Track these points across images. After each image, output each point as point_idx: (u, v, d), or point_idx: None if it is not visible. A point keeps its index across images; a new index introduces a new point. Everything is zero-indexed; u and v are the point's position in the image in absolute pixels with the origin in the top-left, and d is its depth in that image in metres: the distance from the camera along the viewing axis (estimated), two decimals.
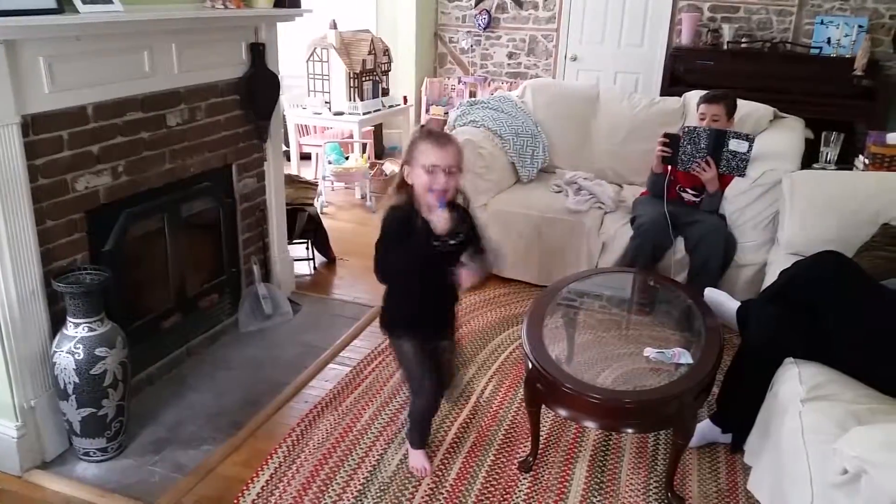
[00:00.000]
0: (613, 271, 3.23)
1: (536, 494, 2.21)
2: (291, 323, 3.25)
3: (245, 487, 2.19)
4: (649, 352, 2.30)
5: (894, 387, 1.95)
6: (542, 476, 2.29)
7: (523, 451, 2.38)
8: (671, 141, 3.30)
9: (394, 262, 1.97)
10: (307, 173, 5.20)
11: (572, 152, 4.15)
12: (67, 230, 2.27)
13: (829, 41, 5.05)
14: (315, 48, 5.22)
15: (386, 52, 5.49)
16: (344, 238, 4.23)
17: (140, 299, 2.70)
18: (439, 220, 1.90)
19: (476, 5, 6.12)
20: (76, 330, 2.17)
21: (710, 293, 2.62)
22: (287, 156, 5.26)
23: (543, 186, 3.90)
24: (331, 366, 2.93)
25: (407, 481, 2.24)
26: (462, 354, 2.91)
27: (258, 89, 3.03)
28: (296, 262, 3.71)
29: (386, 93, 5.56)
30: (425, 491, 2.20)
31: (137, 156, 2.49)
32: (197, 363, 2.88)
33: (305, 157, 5.59)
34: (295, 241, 3.74)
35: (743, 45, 5.24)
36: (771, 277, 2.64)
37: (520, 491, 2.22)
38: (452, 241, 1.97)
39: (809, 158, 3.79)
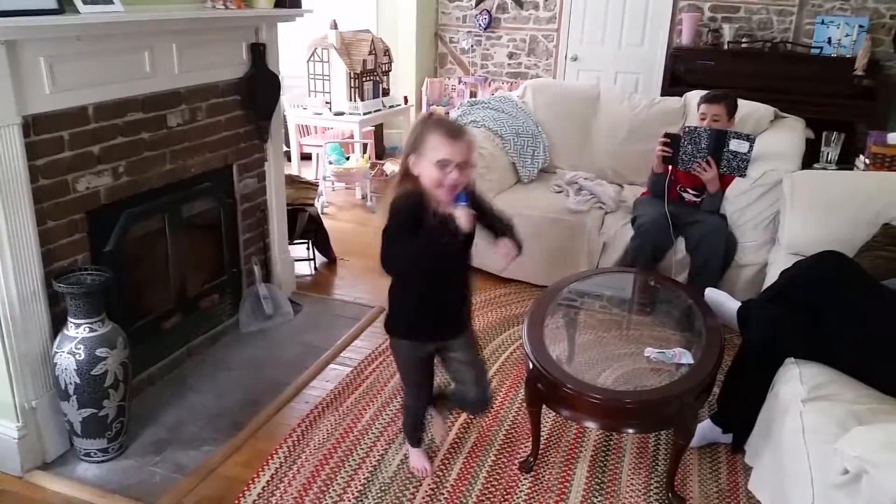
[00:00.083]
0: (614, 271, 3.23)
1: (537, 495, 2.21)
2: (292, 323, 3.25)
3: (246, 488, 2.19)
4: (650, 352, 2.31)
5: (895, 387, 1.94)
6: (543, 476, 2.29)
7: (524, 452, 2.38)
8: (672, 141, 3.30)
9: (401, 257, 1.83)
10: (308, 173, 5.20)
11: (573, 152, 4.15)
12: (68, 231, 2.27)
13: (829, 41, 5.04)
14: (315, 48, 5.22)
15: (386, 52, 5.49)
16: (344, 238, 4.23)
17: (141, 300, 2.70)
18: (461, 218, 1.75)
19: (476, 5, 6.12)
20: (77, 330, 2.17)
21: (711, 293, 2.62)
22: (288, 156, 5.26)
23: (544, 186, 3.90)
24: (331, 366, 2.93)
25: (408, 482, 2.24)
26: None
27: (259, 89, 3.03)
28: (296, 263, 3.72)
29: (386, 93, 5.56)
30: (426, 491, 2.20)
31: (138, 156, 2.49)
32: (198, 364, 2.88)
33: (306, 157, 5.60)
34: (295, 241, 3.74)
35: (743, 45, 5.24)
36: (771, 277, 2.64)
37: (520, 491, 2.22)
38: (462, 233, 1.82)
39: (810, 158, 3.79)
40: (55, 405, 2.24)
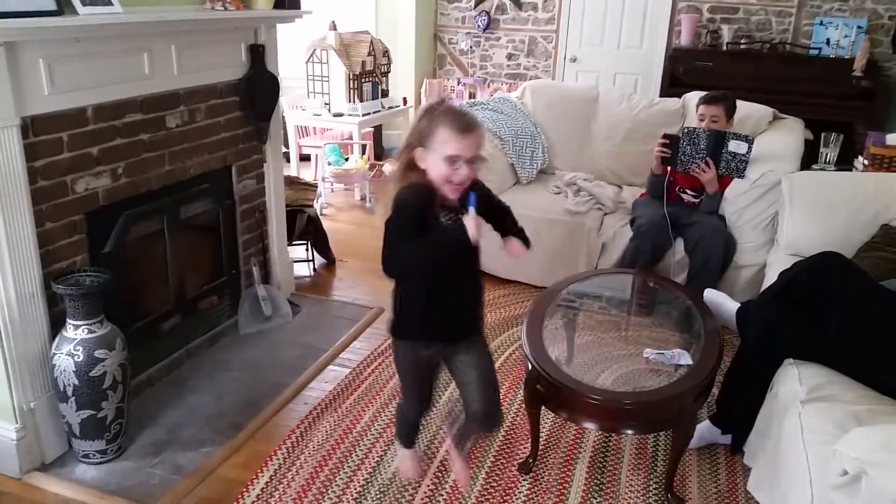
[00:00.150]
0: (613, 272, 3.23)
1: (536, 496, 2.21)
2: (291, 324, 3.25)
3: (245, 489, 2.19)
4: (649, 353, 2.30)
5: (894, 388, 1.94)
6: (542, 477, 2.29)
7: (523, 453, 2.38)
8: (671, 142, 3.30)
9: (406, 257, 1.68)
10: (307, 175, 5.20)
11: (572, 153, 4.15)
12: (67, 232, 2.27)
13: (828, 42, 5.05)
14: (315, 49, 5.22)
15: (385, 53, 5.49)
16: (343, 239, 4.23)
17: (140, 301, 2.70)
18: (471, 226, 1.63)
19: (475, 6, 6.12)
20: (76, 332, 2.17)
21: (710, 294, 2.62)
22: (287, 157, 5.26)
23: (543, 188, 3.90)
24: (330, 367, 2.93)
25: (407, 483, 2.24)
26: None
27: (258, 91, 3.03)
28: (295, 264, 3.71)
29: (385, 94, 5.56)
30: (425, 493, 2.20)
31: (137, 157, 2.49)
32: (196, 365, 2.88)
33: (305, 158, 5.59)
34: (294, 242, 3.74)
35: (742, 46, 5.24)
36: (770, 278, 2.64)
37: (520, 492, 2.22)
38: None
39: (809, 159, 3.79)
40: (54, 406, 2.24)
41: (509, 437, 2.48)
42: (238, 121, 3.00)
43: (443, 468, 2.31)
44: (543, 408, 2.23)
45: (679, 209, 3.33)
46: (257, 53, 3.00)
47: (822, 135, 3.96)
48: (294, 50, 5.08)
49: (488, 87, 6.06)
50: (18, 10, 1.92)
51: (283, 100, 3.95)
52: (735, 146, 3.20)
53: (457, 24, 6.27)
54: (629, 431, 2.32)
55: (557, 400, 2.10)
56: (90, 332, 2.18)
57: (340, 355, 3.02)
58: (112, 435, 2.28)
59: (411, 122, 1.77)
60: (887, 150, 3.39)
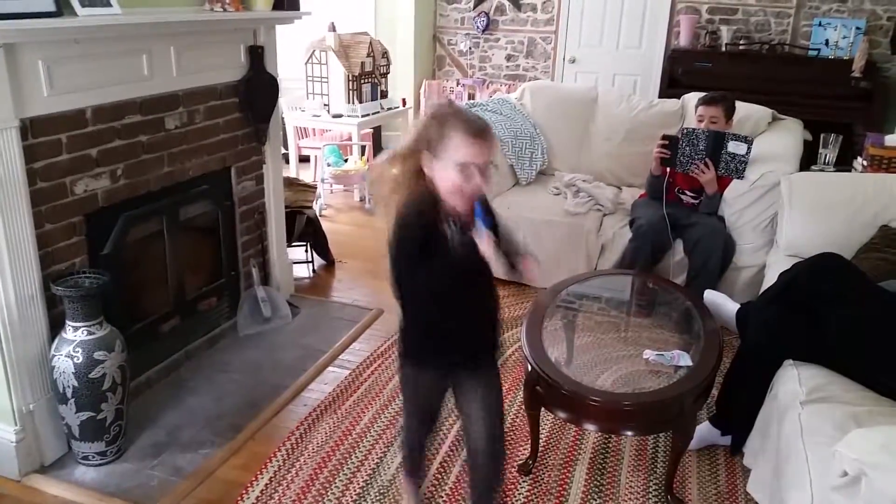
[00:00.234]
0: (612, 273, 3.23)
1: (536, 497, 2.21)
2: (290, 326, 3.25)
3: (244, 491, 2.19)
4: (648, 354, 2.31)
5: (894, 389, 1.95)
6: (542, 479, 2.29)
7: (523, 454, 2.38)
8: (670, 143, 3.30)
9: (416, 283, 1.57)
10: (306, 176, 5.20)
11: (571, 154, 4.15)
12: (66, 234, 2.27)
13: (826, 43, 5.05)
14: (314, 51, 5.22)
15: (384, 54, 5.49)
16: (343, 241, 4.23)
17: (139, 303, 2.69)
18: (487, 250, 1.49)
19: (474, 7, 6.12)
20: (75, 334, 2.17)
21: (710, 295, 2.62)
22: (286, 158, 5.25)
23: (542, 189, 3.90)
24: (330, 369, 2.93)
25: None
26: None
27: (257, 92, 3.03)
28: (294, 265, 3.71)
29: (385, 95, 5.56)
30: (424, 494, 2.20)
31: (136, 159, 2.49)
32: (196, 366, 2.87)
33: (304, 159, 5.59)
34: (294, 243, 3.74)
35: (741, 47, 5.24)
36: (770, 279, 2.64)
37: (519, 494, 2.22)
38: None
39: (808, 160, 3.79)
40: (53, 408, 2.24)
41: (509, 438, 2.48)
42: (237, 122, 3.00)
43: (442, 468, 2.31)
44: (543, 409, 2.23)
45: (678, 210, 3.33)
46: (256, 55, 3.00)
47: (822, 136, 3.96)
48: (293, 51, 5.08)
49: (487, 88, 6.06)
50: (17, 12, 1.92)
51: (283, 101, 3.95)
52: (734, 147, 3.20)
53: (456, 25, 6.28)
54: (629, 433, 2.31)
55: (557, 401, 2.09)
56: (89, 333, 2.18)
57: (340, 357, 3.02)
58: (111, 437, 2.28)
59: (414, 124, 1.59)
60: (886, 151, 3.39)
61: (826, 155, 3.93)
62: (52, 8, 2.04)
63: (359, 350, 3.08)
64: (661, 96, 4.93)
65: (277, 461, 2.33)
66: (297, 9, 3.19)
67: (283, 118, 4.68)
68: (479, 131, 1.53)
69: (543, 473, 2.31)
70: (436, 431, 2.01)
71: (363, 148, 5.14)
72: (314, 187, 4.26)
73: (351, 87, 5.19)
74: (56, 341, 2.19)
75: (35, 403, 2.21)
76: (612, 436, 2.48)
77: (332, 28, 5.22)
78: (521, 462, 2.34)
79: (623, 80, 5.76)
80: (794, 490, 1.81)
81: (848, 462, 1.56)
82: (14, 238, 2.06)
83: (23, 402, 2.18)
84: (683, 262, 3.29)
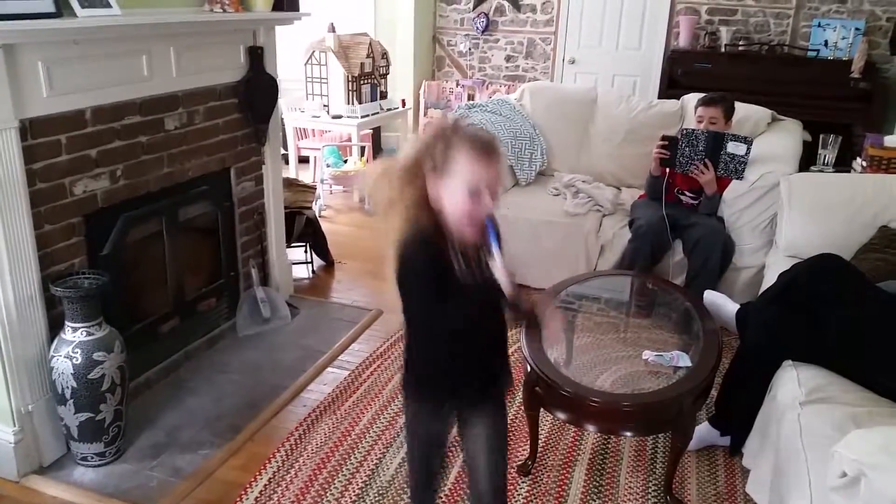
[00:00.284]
0: (612, 274, 3.23)
1: (535, 498, 2.21)
2: (290, 326, 3.25)
3: (243, 491, 2.19)
4: (648, 355, 2.31)
5: (893, 389, 1.95)
6: (541, 479, 2.29)
7: (522, 455, 2.38)
8: (669, 143, 3.31)
9: (444, 322, 1.46)
10: (305, 177, 5.20)
11: (570, 155, 4.15)
12: (65, 234, 2.27)
13: (826, 44, 5.05)
14: (313, 51, 5.22)
15: (384, 55, 5.49)
16: (342, 241, 4.22)
17: (138, 303, 2.69)
18: (503, 277, 1.40)
19: (474, 8, 6.12)
20: (74, 334, 2.17)
21: (710, 296, 2.62)
22: (285, 159, 5.25)
23: (542, 189, 3.90)
24: (329, 369, 2.93)
25: (405, 485, 2.24)
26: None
27: (256, 93, 3.03)
28: (294, 266, 3.71)
29: (384, 96, 5.56)
30: None
31: (136, 159, 2.49)
32: (195, 367, 2.87)
33: (304, 160, 5.59)
34: (293, 244, 3.74)
35: (740, 48, 5.24)
36: (770, 280, 2.64)
37: (519, 494, 2.22)
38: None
39: (807, 161, 3.79)
40: (52, 409, 2.23)
41: (508, 439, 2.47)
42: (237, 123, 3.00)
43: (442, 469, 2.31)
44: (542, 410, 2.23)
45: (678, 211, 3.33)
46: (256, 55, 3.00)
47: (821, 136, 3.96)
48: (293, 52, 5.08)
49: (487, 88, 6.06)
50: (17, 13, 1.92)
51: (282, 102, 3.95)
52: (734, 147, 3.20)
53: (455, 26, 6.28)
54: (628, 433, 2.32)
55: (556, 402, 2.09)
56: (89, 334, 2.18)
57: (339, 357, 3.02)
58: (110, 437, 2.28)
59: (414, 142, 1.46)
60: (885, 151, 3.40)
61: (825, 156, 3.93)
62: (51, 9, 2.04)
63: (358, 351, 3.08)
64: (660, 97, 4.93)
65: (277, 462, 2.33)
66: (297, 10, 3.19)
67: (282, 119, 4.68)
68: (488, 147, 1.42)
69: (543, 474, 2.31)
70: (438, 491, 1.86)
71: (363, 149, 5.14)
72: (314, 188, 4.26)
73: (350, 88, 5.20)
74: (55, 342, 2.19)
75: (34, 404, 2.21)
76: (612, 436, 2.48)
77: (332, 29, 5.22)
78: (520, 463, 2.34)
79: (622, 80, 5.76)
80: (793, 491, 1.81)
81: (847, 463, 1.56)
82: (13, 239, 2.06)
83: (21, 403, 2.18)
84: (683, 262, 3.29)
